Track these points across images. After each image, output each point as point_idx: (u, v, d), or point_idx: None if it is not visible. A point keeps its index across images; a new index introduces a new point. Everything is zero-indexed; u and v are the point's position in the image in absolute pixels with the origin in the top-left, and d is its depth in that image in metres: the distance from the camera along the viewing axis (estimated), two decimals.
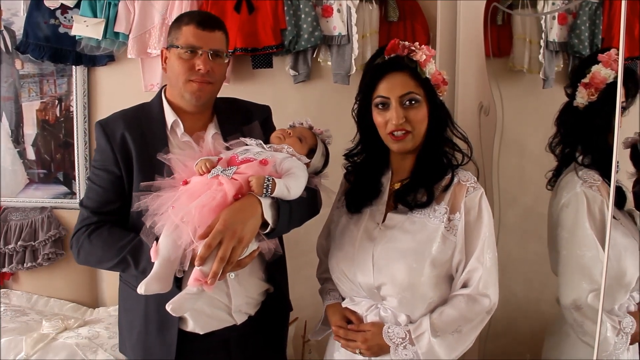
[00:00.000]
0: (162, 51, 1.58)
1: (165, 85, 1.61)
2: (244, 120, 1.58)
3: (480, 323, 1.39)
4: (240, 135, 1.47)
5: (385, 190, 1.49)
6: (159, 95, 1.59)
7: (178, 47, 1.48)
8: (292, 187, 1.32)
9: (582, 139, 1.60)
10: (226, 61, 1.56)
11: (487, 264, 1.37)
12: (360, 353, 1.41)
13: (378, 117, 1.42)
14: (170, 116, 1.54)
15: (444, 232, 1.37)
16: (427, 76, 1.40)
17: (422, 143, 1.44)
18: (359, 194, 1.49)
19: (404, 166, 1.48)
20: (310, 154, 1.51)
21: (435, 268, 1.37)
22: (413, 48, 1.40)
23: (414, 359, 1.35)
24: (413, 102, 1.39)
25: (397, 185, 1.48)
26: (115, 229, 1.46)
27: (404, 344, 1.35)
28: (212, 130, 1.55)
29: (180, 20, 1.53)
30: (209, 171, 1.32)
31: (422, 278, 1.36)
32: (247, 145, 1.44)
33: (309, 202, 1.44)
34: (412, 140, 1.41)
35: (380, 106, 1.41)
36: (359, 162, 1.56)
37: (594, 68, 1.56)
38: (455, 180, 1.41)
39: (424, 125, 1.42)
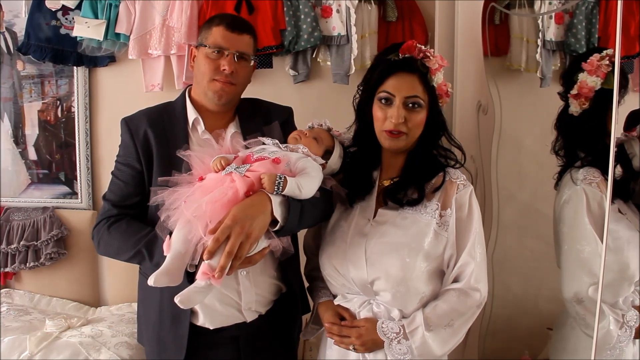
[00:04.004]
0: (191, 50, 1.64)
1: (190, 84, 1.66)
2: (264, 121, 1.61)
3: (471, 317, 1.42)
4: (259, 135, 1.49)
5: (374, 186, 1.52)
6: (183, 94, 1.65)
7: (206, 46, 1.54)
8: (304, 186, 1.34)
9: (580, 142, 1.63)
10: (252, 64, 1.61)
11: (478, 258, 1.41)
12: (354, 349, 1.42)
13: (378, 112, 1.45)
14: (192, 114, 1.59)
15: (436, 228, 1.40)
16: (434, 84, 1.43)
17: (414, 145, 1.48)
18: (351, 188, 1.51)
19: (395, 164, 1.51)
20: (327, 155, 1.53)
21: (427, 262, 1.39)
22: (428, 54, 1.43)
23: (407, 353, 1.37)
24: (416, 105, 1.42)
25: (386, 182, 1.50)
26: (133, 222, 1.52)
27: (398, 339, 1.37)
28: (232, 129, 1.58)
29: (211, 21, 1.59)
30: (223, 168, 1.35)
31: (415, 272, 1.39)
32: (264, 144, 1.46)
33: (323, 203, 1.46)
34: (405, 141, 1.45)
35: (383, 101, 1.44)
36: (351, 155, 1.58)
37: (580, 77, 1.59)
38: (446, 178, 1.45)
39: (419, 130, 1.45)
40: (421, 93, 1.42)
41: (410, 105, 1.41)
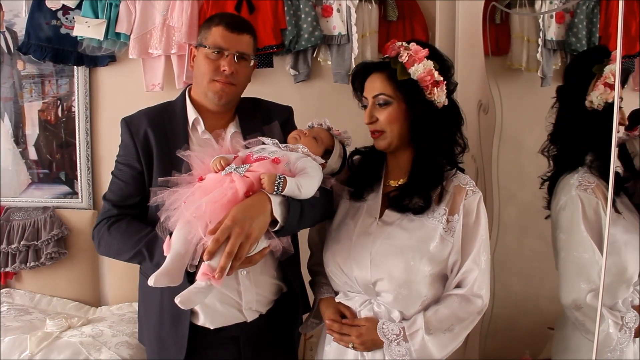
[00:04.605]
0: (190, 49, 1.64)
1: (190, 84, 1.65)
2: (264, 120, 1.61)
3: (471, 323, 1.42)
4: (259, 135, 1.49)
5: (380, 185, 1.52)
6: (182, 93, 1.65)
7: (206, 46, 1.53)
8: (303, 186, 1.33)
9: (598, 139, 1.53)
10: (252, 64, 1.60)
11: (482, 265, 1.40)
12: (354, 347, 1.43)
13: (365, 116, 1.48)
14: (192, 114, 1.59)
15: (442, 233, 1.40)
16: (413, 77, 1.40)
17: (414, 146, 1.47)
18: (359, 181, 1.53)
19: (397, 165, 1.52)
20: (327, 154, 1.53)
21: (431, 266, 1.39)
22: (401, 50, 1.42)
23: (406, 355, 1.37)
24: (382, 102, 1.43)
25: (392, 182, 1.51)
26: (133, 222, 1.52)
27: (397, 340, 1.37)
28: (232, 129, 1.58)
29: (211, 21, 1.58)
30: (223, 168, 1.34)
31: (418, 275, 1.39)
32: (264, 144, 1.46)
33: (323, 203, 1.46)
34: (384, 139, 1.46)
35: (363, 106, 1.48)
36: (362, 154, 1.60)
37: (607, 69, 1.54)
38: (455, 183, 1.44)
39: (395, 126, 1.44)
40: (388, 89, 1.42)
41: (378, 103, 1.44)
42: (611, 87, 1.53)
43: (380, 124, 1.44)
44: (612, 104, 1.51)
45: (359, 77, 1.51)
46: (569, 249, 1.57)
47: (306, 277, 1.74)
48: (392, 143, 1.46)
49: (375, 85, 1.44)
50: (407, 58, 1.40)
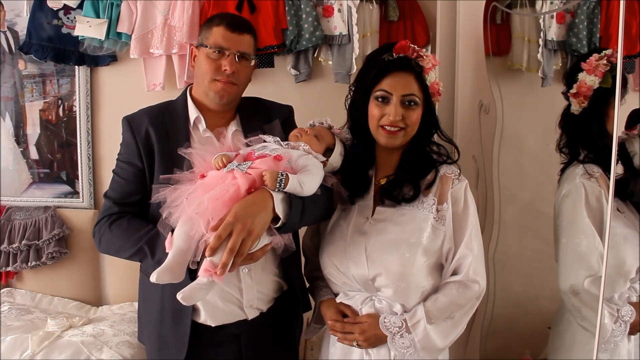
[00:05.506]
0: (191, 49, 1.65)
1: (191, 83, 1.66)
2: (265, 119, 1.62)
3: (471, 309, 1.44)
4: (260, 133, 1.50)
5: (370, 185, 1.54)
6: (184, 92, 1.65)
7: (207, 46, 1.55)
8: (305, 183, 1.34)
9: (582, 141, 1.66)
10: (252, 64, 1.61)
11: (475, 250, 1.43)
12: (358, 345, 1.44)
13: (375, 109, 1.47)
14: (193, 112, 1.60)
15: (433, 223, 1.43)
16: (428, 83, 1.47)
17: (408, 142, 1.50)
18: (348, 188, 1.52)
19: (390, 162, 1.54)
20: (328, 153, 1.54)
21: (426, 257, 1.42)
22: (421, 54, 1.46)
23: (410, 347, 1.38)
24: (412, 103, 1.45)
25: (382, 181, 1.53)
26: (134, 219, 1.52)
27: (400, 333, 1.39)
28: (233, 127, 1.59)
29: (211, 21, 1.59)
30: (225, 166, 1.35)
31: (415, 267, 1.41)
32: (265, 142, 1.47)
33: (324, 201, 1.47)
34: (402, 137, 1.47)
35: (380, 99, 1.46)
36: (346, 155, 1.59)
37: (580, 76, 1.62)
38: (441, 172, 1.48)
39: (417, 127, 1.48)
40: (417, 91, 1.45)
41: (407, 103, 1.44)
42: (575, 96, 1.65)
43: (405, 123, 1.45)
44: (587, 110, 1.63)
45: (378, 71, 1.48)
46: (571, 235, 1.59)
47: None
48: (404, 142, 1.49)
49: (405, 84, 1.45)
50: (430, 64, 1.46)
